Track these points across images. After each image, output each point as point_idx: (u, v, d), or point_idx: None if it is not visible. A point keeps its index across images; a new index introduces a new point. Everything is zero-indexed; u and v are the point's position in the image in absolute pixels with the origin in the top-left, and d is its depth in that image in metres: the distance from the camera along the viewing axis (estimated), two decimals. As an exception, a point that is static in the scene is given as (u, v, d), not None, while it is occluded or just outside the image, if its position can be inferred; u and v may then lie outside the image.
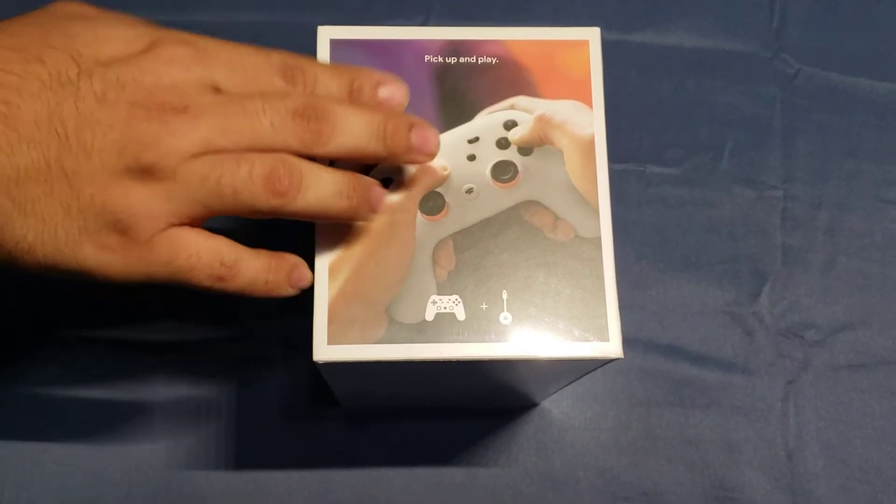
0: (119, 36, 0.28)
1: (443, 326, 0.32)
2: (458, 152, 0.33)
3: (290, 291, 0.32)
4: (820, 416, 0.50)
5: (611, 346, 0.32)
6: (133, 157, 0.27)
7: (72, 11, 0.30)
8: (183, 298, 0.51)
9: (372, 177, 0.33)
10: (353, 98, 0.30)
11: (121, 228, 0.28)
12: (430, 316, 0.32)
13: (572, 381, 0.41)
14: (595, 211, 0.33)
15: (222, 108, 0.28)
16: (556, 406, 0.50)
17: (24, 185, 0.27)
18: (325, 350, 0.31)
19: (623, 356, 0.32)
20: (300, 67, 0.30)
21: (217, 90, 0.29)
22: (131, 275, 0.29)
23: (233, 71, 0.29)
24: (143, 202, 0.28)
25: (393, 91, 0.31)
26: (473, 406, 0.49)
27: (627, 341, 0.51)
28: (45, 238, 0.27)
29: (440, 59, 0.34)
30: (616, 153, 0.54)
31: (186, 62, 0.28)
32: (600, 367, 0.34)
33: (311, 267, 0.32)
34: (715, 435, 0.50)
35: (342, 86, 0.30)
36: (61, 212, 0.27)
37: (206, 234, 0.30)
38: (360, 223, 0.32)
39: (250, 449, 0.48)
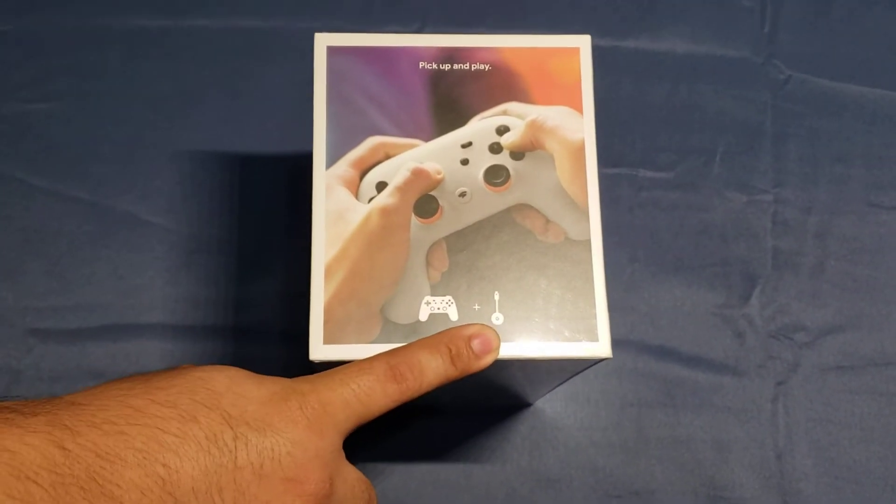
0: (253, 394, 0.29)
1: (436, 327, 0.32)
2: (451, 156, 0.34)
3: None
4: (809, 416, 0.51)
5: (600, 347, 0.33)
6: None
7: (202, 371, 0.30)
8: (179, 297, 0.52)
9: (368, 179, 0.34)
10: (455, 361, 0.31)
11: None
12: (423, 316, 0.33)
13: (564, 382, 0.42)
14: (585, 214, 0.34)
15: (349, 496, 0.30)
16: (549, 406, 0.51)
17: None
18: (321, 350, 0.32)
19: (612, 356, 0.33)
20: (405, 362, 0.31)
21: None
22: None
23: (351, 409, 0.30)
24: None
25: (484, 339, 0.32)
26: (468, 406, 0.49)
27: (619, 342, 0.51)
28: None
29: (434, 66, 0.35)
30: (609, 157, 0.55)
31: (317, 424, 0.29)
32: (590, 367, 0.35)
33: (308, 268, 0.33)
34: (706, 435, 0.51)
35: (444, 356, 0.31)
36: None
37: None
38: (359, 227, 0.33)
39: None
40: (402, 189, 0.34)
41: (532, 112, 0.35)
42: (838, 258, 0.54)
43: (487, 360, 0.32)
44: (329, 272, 0.33)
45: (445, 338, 0.31)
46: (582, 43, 0.36)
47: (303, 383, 0.29)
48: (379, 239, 0.33)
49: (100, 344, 0.51)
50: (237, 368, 0.30)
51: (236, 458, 0.27)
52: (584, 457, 0.50)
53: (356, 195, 0.34)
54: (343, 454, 0.30)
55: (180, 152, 0.54)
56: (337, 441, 0.29)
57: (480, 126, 0.35)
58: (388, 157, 0.34)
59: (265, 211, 0.53)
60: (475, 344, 0.31)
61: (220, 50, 0.57)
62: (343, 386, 0.29)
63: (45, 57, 0.56)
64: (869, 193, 0.56)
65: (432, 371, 0.31)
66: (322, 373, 0.30)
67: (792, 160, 0.56)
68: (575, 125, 0.35)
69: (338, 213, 0.33)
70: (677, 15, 0.59)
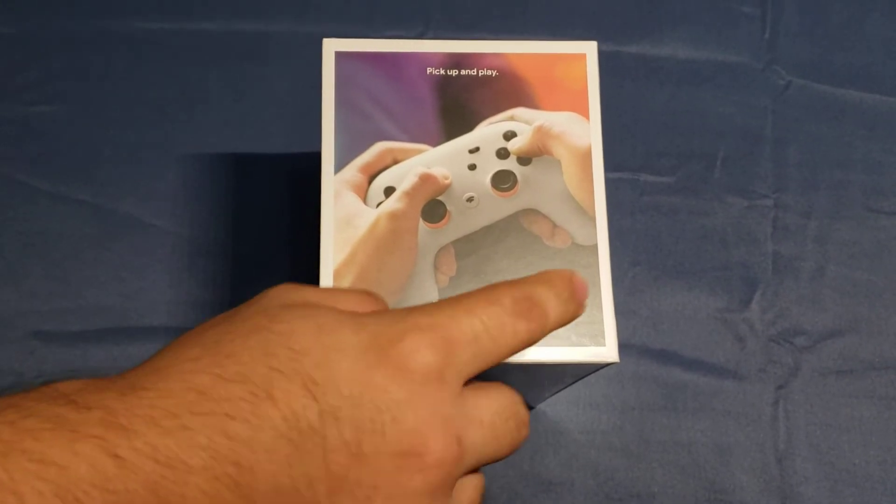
0: (349, 342, 0.23)
1: (444, 331, 0.32)
2: (459, 162, 0.34)
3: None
4: (809, 420, 0.51)
5: (607, 351, 0.33)
6: None
7: (289, 300, 0.25)
8: (181, 300, 0.52)
9: (376, 184, 0.34)
10: (567, 303, 0.27)
11: None
12: (431, 321, 0.33)
13: (568, 386, 0.42)
14: (592, 219, 0.34)
15: (490, 439, 0.25)
16: (551, 409, 0.51)
17: None
18: (329, 353, 0.32)
19: (619, 361, 0.33)
20: (527, 298, 0.26)
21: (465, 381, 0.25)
22: None
23: (479, 346, 0.25)
24: None
25: (582, 284, 0.27)
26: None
27: (621, 346, 0.52)
28: None
29: (442, 72, 0.35)
30: (610, 162, 0.55)
31: (438, 369, 0.24)
32: (596, 371, 0.35)
33: (312, 271, 0.33)
34: (707, 439, 0.51)
35: (559, 295, 0.26)
36: None
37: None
38: (367, 232, 0.33)
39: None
40: (410, 194, 0.34)
41: (539, 117, 0.35)
42: (838, 263, 0.55)
43: (583, 311, 0.28)
44: (337, 277, 0.33)
45: (553, 275, 0.26)
46: (588, 49, 0.36)
47: (419, 315, 0.24)
48: (387, 244, 0.33)
49: (102, 346, 0.51)
50: (329, 309, 0.24)
51: (325, 439, 0.22)
52: (586, 460, 0.50)
53: (364, 200, 0.34)
54: (467, 390, 0.25)
55: (183, 155, 0.54)
56: (457, 388, 0.24)
57: (488, 131, 0.35)
58: (395, 162, 0.34)
59: (268, 214, 0.54)
60: (577, 283, 0.27)
61: (223, 53, 0.57)
62: (471, 316, 0.24)
63: (48, 59, 0.56)
64: (868, 199, 0.56)
65: (553, 311, 0.26)
66: (439, 302, 0.25)
67: (792, 165, 0.57)
68: (581, 131, 0.35)
69: (346, 218, 0.33)
70: (678, 21, 0.59)
